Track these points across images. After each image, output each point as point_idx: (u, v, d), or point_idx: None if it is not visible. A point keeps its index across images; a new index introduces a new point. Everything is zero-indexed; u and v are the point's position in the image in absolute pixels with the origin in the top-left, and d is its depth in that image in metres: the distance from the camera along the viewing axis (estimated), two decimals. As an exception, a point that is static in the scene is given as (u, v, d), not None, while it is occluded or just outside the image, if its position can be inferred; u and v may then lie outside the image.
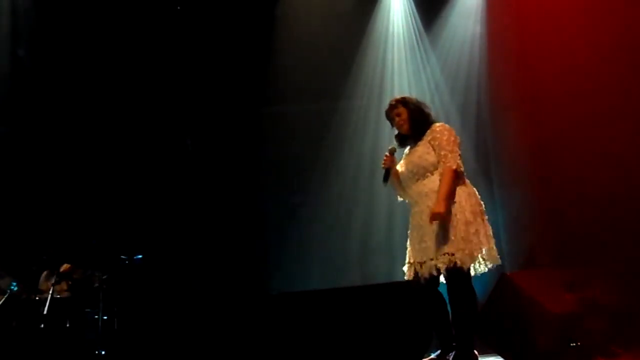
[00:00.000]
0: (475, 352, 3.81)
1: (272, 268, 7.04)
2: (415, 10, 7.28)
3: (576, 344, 4.22)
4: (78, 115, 7.13)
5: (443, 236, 3.70)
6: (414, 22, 7.28)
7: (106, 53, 7.08)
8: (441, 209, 3.67)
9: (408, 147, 4.10)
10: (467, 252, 3.68)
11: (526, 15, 6.29)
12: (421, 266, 3.81)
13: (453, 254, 3.67)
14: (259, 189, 7.33)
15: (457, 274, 3.69)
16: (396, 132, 4.12)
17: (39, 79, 7.02)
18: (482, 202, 3.92)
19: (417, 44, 7.27)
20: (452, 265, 3.66)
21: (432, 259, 3.74)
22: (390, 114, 4.08)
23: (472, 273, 3.84)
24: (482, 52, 6.99)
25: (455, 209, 3.74)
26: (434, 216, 3.69)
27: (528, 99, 6.33)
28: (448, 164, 3.78)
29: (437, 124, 3.96)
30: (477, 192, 3.94)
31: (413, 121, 3.99)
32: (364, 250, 7.02)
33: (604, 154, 5.33)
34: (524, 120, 6.38)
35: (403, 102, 4.07)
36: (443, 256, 3.69)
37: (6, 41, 7.03)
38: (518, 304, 4.22)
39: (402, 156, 4.13)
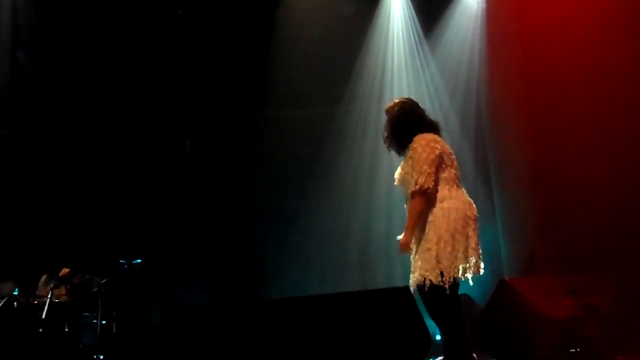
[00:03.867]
0: (475, 355, 3.79)
1: (271, 273, 7.03)
2: (415, 15, 7.26)
3: (576, 350, 4.21)
4: (77, 119, 7.13)
5: (421, 253, 3.68)
6: (414, 27, 7.27)
7: (107, 57, 7.09)
8: (406, 239, 3.68)
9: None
10: (437, 271, 3.59)
11: (527, 20, 6.28)
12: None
13: (426, 271, 3.61)
14: (258, 193, 7.33)
15: (429, 290, 3.61)
16: None
17: (40, 82, 7.02)
18: (468, 215, 3.68)
19: (417, 48, 7.26)
20: (422, 282, 3.62)
21: (412, 272, 3.73)
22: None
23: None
24: (482, 57, 6.99)
25: (429, 228, 3.66)
26: (401, 246, 3.70)
27: (528, 103, 6.32)
28: (413, 187, 3.64)
29: (417, 138, 3.74)
30: (463, 205, 3.69)
31: (391, 139, 3.88)
32: (363, 255, 7.01)
33: (605, 161, 5.31)
34: (524, 125, 6.35)
35: (386, 112, 3.94)
36: (416, 273, 3.67)
37: (6, 44, 7.04)
38: (517, 310, 4.22)
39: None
